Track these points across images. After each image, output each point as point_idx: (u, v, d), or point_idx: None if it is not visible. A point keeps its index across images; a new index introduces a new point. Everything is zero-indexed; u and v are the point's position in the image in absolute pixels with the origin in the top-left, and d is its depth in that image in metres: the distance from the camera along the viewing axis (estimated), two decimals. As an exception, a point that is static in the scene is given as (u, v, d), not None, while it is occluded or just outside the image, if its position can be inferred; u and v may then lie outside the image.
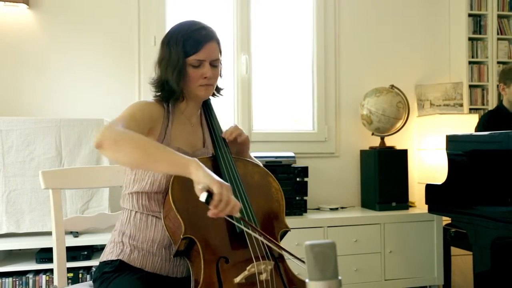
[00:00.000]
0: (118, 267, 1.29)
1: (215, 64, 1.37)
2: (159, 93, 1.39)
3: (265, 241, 1.23)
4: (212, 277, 1.16)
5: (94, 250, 2.57)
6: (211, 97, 1.50)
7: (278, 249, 1.25)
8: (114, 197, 2.55)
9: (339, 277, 0.81)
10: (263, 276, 1.17)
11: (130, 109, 1.32)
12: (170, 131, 1.36)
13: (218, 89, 1.49)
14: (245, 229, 1.22)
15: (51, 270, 2.45)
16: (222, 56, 1.43)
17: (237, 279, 1.16)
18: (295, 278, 1.28)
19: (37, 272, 2.46)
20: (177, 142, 1.36)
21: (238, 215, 1.15)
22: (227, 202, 1.11)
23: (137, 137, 1.18)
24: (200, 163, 1.15)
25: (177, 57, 1.32)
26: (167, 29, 3.35)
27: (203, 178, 1.11)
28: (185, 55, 1.32)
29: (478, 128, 2.72)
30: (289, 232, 1.39)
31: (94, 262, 2.48)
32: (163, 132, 1.35)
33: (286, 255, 1.25)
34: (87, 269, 2.51)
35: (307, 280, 0.80)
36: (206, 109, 1.48)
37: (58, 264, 1.55)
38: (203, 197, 1.10)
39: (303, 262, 1.16)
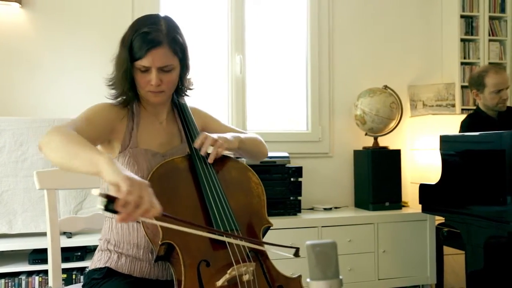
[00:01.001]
0: (106, 273, 1.28)
1: (166, 69, 1.26)
2: (112, 93, 1.34)
3: (246, 245, 1.20)
4: (194, 282, 1.14)
5: (87, 251, 2.55)
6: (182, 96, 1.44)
7: (261, 247, 1.23)
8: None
9: (340, 277, 0.81)
10: (246, 277, 1.15)
11: (86, 111, 1.27)
12: (135, 133, 1.32)
13: (184, 89, 1.41)
14: (226, 239, 1.19)
15: (44, 271, 2.43)
16: (184, 57, 1.31)
17: (219, 283, 1.13)
18: (280, 276, 1.25)
19: (29, 274, 2.43)
20: (144, 143, 1.32)
21: (153, 220, 1.01)
22: (137, 203, 0.95)
23: (67, 136, 1.09)
24: (113, 160, 1.02)
25: (124, 59, 1.26)
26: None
27: (109, 175, 0.97)
28: (131, 59, 1.25)
29: (460, 132, 2.75)
30: (271, 227, 1.35)
31: (87, 263, 2.45)
32: (128, 135, 1.31)
33: (271, 249, 1.22)
34: (81, 270, 2.49)
35: (308, 280, 0.81)
36: (178, 105, 1.42)
37: (53, 265, 1.54)
38: (101, 203, 0.94)
39: (293, 248, 1.18)
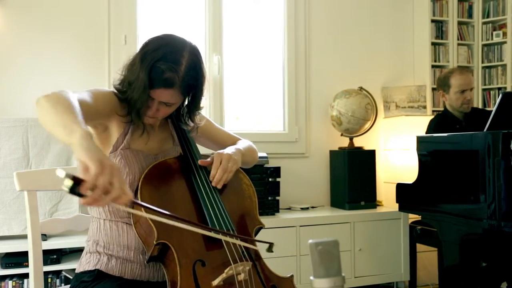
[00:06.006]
0: (96, 276, 1.25)
1: (167, 104, 1.26)
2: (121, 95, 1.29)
3: (242, 243, 1.21)
4: (190, 282, 1.13)
5: (63, 254, 2.50)
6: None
7: (255, 247, 1.24)
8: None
9: (343, 274, 0.83)
10: (241, 277, 1.16)
11: (93, 89, 1.24)
12: (129, 137, 1.30)
13: (184, 117, 1.38)
14: (222, 237, 1.19)
15: (17, 275, 2.36)
16: (195, 94, 1.29)
17: (215, 282, 1.13)
18: (273, 276, 1.27)
19: (2, 278, 2.36)
20: (136, 145, 1.31)
21: (122, 207, 0.97)
22: (106, 189, 0.91)
23: (64, 96, 1.05)
24: (89, 136, 0.96)
25: (144, 84, 1.20)
26: (138, 28, 3.25)
27: (81, 154, 0.91)
28: (148, 85, 1.21)
29: (428, 131, 2.85)
30: (262, 229, 1.37)
31: (63, 266, 2.40)
32: (122, 137, 1.29)
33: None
34: (57, 273, 2.43)
35: (311, 278, 0.82)
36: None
37: (35, 269, 1.49)
38: (66, 184, 0.87)
39: (267, 243, 1.20)
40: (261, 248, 1.28)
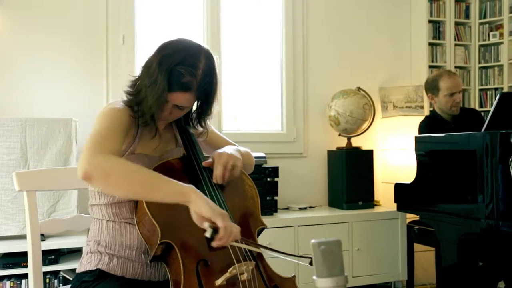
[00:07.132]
0: (98, 276, 1.25)
1: (180, 108, 1.29)
2: (132, 105, 1.30)
3: (247, 247, 1.21)
4: (193, 281, 1.14)
5: (61, 254, 2.49)
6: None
7: (259, 250, 1.24)
8: (83, 199, 2.48)
9: (345, 274, 0.84)
10: (245, 276, 1.16)
11: (104, 122, 1.22)
12: (136, 143, 1.31)
13: (193, 121, 1.41)
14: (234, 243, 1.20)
15: (15, 276, 2.36)
16: (206, 99, 1.32)
17: (219, 282, 1.14)
18: (275, 276, 1.28)
19: (0, 278, 2.35)
20: (140, 149, 1.31)
21: (238, 245, 1.18)
22: (230, 233, 1.12)
23: (127, 166, 1.14)
24: (198, 191, 1.13)
25: (162, 87, 1.21)
26: (136, 28, 3.24)
27: (205, 210, 1.11)
28: (167, 88, 1.23)
29: (419, 132, 2.85)
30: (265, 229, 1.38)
31: (61, 267, 2.40)
32: (129, 145, 1.30)
33: (272, 254, 1.24)
34: (55, 273, 2.42)
35: (314, 277, 0.82)
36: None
37: (34, 269, 1.49)
38: (208, 233, 1.11)
39: (294, 256, 1.21)
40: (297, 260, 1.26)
